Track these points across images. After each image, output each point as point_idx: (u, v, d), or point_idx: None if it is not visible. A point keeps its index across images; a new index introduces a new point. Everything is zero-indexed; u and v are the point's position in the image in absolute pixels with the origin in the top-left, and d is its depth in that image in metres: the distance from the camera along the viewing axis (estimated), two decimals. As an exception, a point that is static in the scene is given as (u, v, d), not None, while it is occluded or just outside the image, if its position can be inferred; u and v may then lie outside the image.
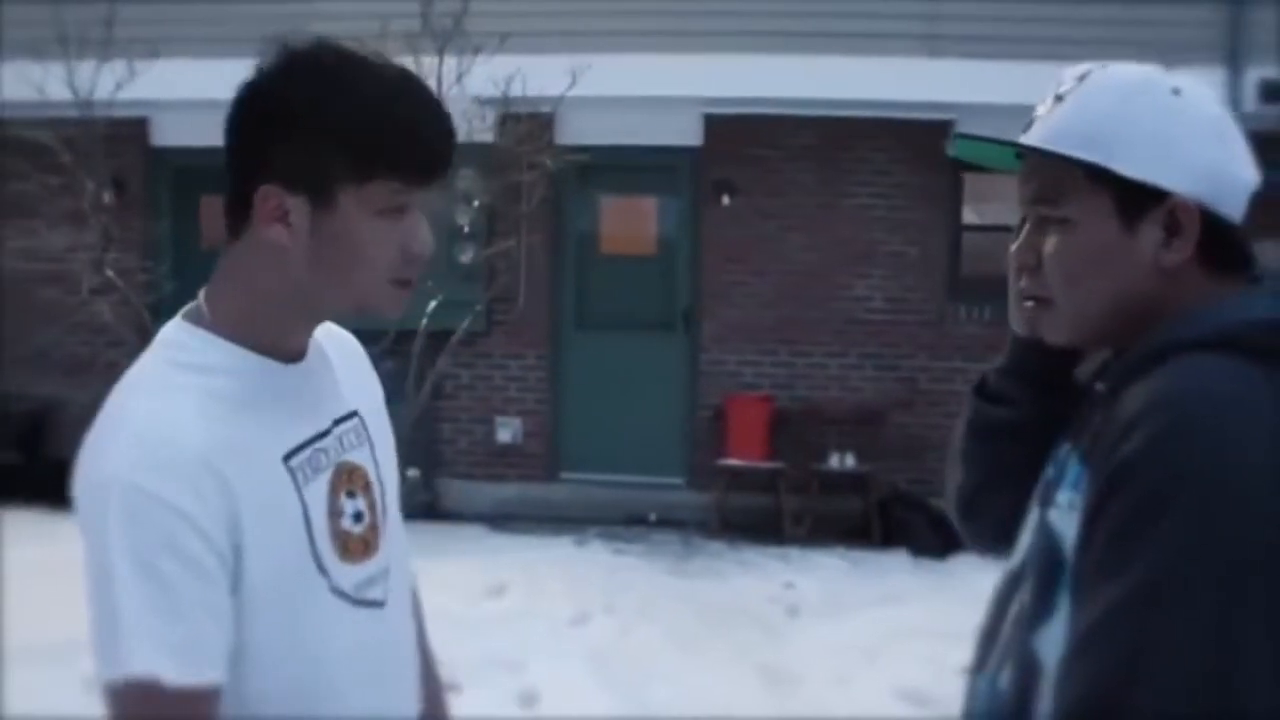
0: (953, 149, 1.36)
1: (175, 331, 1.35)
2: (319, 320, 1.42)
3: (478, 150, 6.86)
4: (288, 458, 1.34)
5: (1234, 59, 8.20)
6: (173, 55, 7.11)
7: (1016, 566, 1.28)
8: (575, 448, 9.23)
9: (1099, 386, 1.25)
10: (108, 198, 6.27)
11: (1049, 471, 1.28)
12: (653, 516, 8.71)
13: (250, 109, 1.30)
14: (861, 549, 7.90)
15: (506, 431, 9.11)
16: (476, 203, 7.27)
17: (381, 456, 1.49)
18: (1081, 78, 1.25)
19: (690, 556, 7.86)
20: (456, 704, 1.91)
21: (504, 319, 9.02)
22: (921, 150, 8.21)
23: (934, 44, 8.14)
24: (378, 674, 1.42)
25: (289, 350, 1.38)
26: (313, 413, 1.40)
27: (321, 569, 1.34)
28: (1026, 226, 1.29)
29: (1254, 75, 8.16)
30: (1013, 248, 1.31)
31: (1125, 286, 1.22)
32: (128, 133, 7.89)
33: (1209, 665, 1.02)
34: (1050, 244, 1.24)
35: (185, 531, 1.22)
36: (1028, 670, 1.17)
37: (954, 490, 1.49)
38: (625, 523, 8.59)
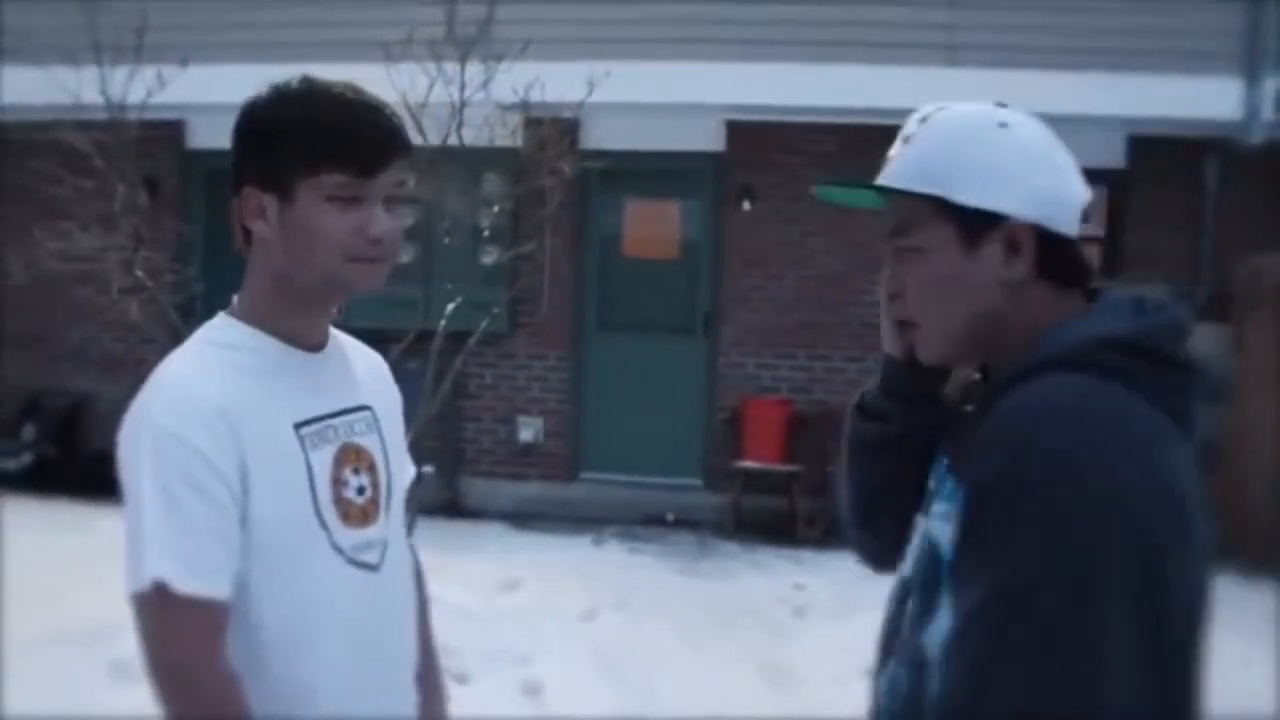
0: (819, 193, 1.49)
1: (213, 320, 1.65)
2: (313, 305, 1.63)
3: (501, 155, 6.98)
4: (299, 426, 1.58)
5: (1251, 68, 8.22)
6: (203, 61, 7.27)
7: (908, 573, 1.38)
8: (595, 448, 9.34)
9: (968, 407, 1.36)
10: (140, 200, 6.42)
11: (931, 483, 1.39)
12: (670, 517, 8.81)
13: (236, 130, 1.60)
14: (874, 552, 7.96)
15: (528, 431, 9.23)
16: (498, 207, 7.39)
17: (391, 451, 1.71)
18: (923, 120, 1.38)
19: (704, 557, 7.96)
20: (463, 693, 2.04)
21: (527, 320, 9.14)
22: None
23: (953, 54, 8.21)
24: (367, 632, 1.61)
25: (306, 340, 1.64)
26: (325, 396, 1.64)
27: (323, 524, 1.57)
28: (890, 260, 1.43)
29: (1272, 84, 8.18)
30: (881, 276, 1.44)
31: (977, 304, 1.33)
32: (163, 135, 8.07)
33: (1055, 669, 1.09)
34: (909, 272, 1.38)
35: (200, 466, 1.47)
36: (917, 666, 1.28)
37: (844, 507, 1.60)
38: (643, 522, 8.69)
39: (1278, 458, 7.47)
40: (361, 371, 1.75)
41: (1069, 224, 1.34)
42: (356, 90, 1.58)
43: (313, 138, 1.53)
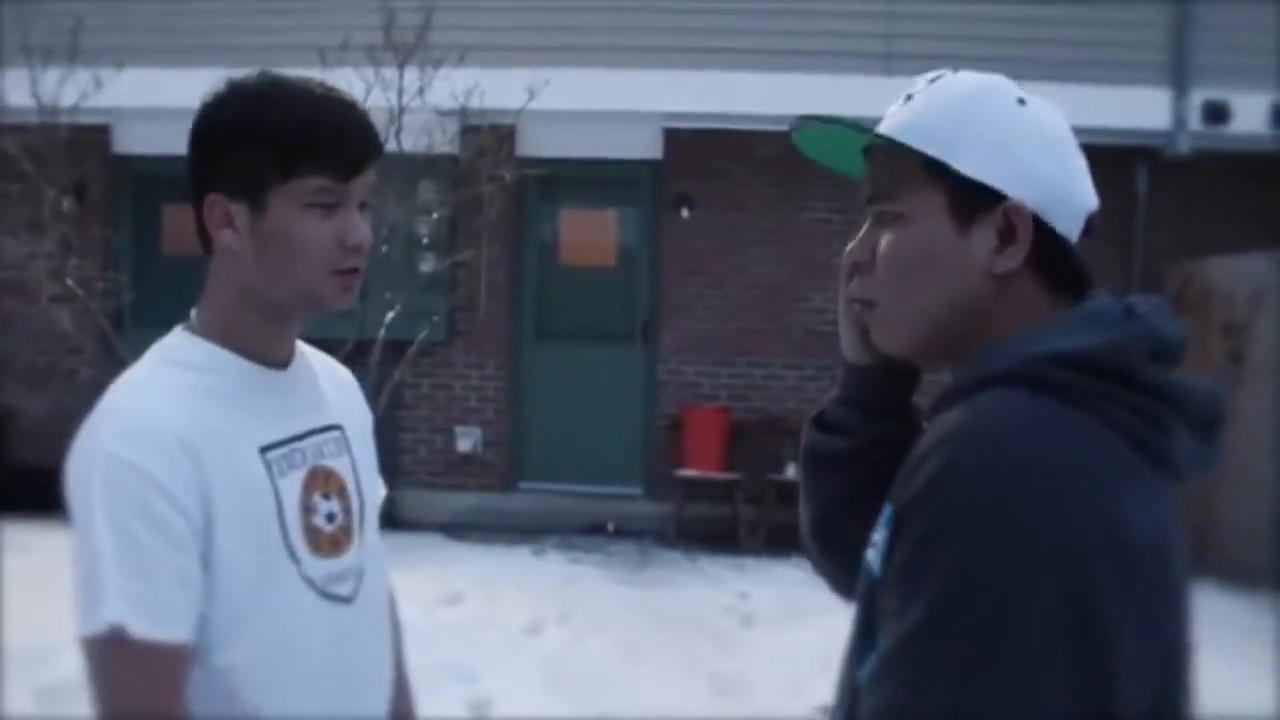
0: (795, 135, 1.30)
1: (170, 337, 1.51)
2: (282, 320, 1.51)
3: (439, 162, 6.93)
4: (264, 450, 1.45)
5: (1179, 80, 8.40)
6: (136, 64, 7.13)
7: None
8: (534, 457, 9.28)
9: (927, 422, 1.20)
10: (67, 205, 6.27)
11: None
12: (611, 526, 8.78)
13: (195, 131, 1.47)
14: (816, 559, 7.99)
15: (466, 441, 9.14)
16: (436, 214, 7.32)
17: (363, 473, 1.60)
18: (933, 80, 1.24)
19: (646, 566, 7.93)
20: (409, 710, 1.98)
21: (465, 329, 9.07)
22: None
23: (890, 63, 8.27)
24: (338, 669, 1.50)
25: (271, 356, 1.51)
26: (292, 416, 1.51)
27: (292, 556, 1.44)
28: (865, 227, 1.26)
29: (1198, 96, 8.36)
30: (847, 249, 1.27)
31: (956, 290, 1.18)
32: (89, 140, 7.89)
33: (970, 712, 0.98)
34: (884, 240, 1.22)
35: (158, 498, 1.34)
36: (853, 701, 1.13)
37: (803, 526, 1.45)
38: (583, 532, 8.65)
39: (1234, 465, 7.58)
40: (329, 388, 1.62)
41: (1070, 225, 1.19)
42: (325, 86, 1.46)
43: (288, 139, 1.40)
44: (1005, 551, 0.99)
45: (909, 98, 1.23)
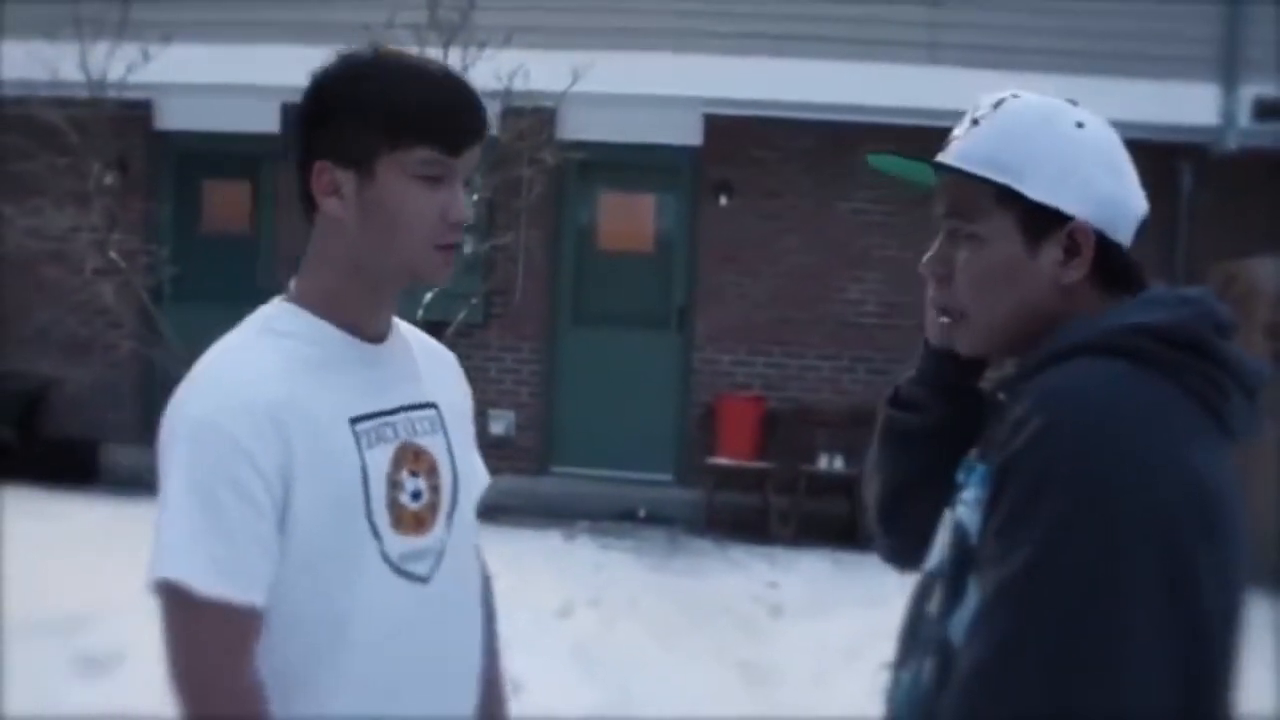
0: (873, 161, 1.46)
1: (269, 306, 1.53)
2: (381, 292, 1.52)
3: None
4: (355, 421, 1.46)
5: (1229, 76, 8.27)
6: (182, 40, 7.18)
7: (933, 568, 1.35)
8: (567, 442, 9.30)
9: (1001, 396, 1.34)
10: (111, 179, 6.33)
11: (959, 477, 1.35)
12: (642, 512, 8.78)
13: (306, 99, 1.48)
14: (846, 550, 7.96)
15: (500, 424, 9.16)
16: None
17: (457, 453, 1.59)
18: (996, 105, 1.35)
19: (676, 553, 7.93)
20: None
21: (501, 312, 9.08)
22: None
23: (934, 52, 8.21)
24: (408, 649, 1.48)
25: (368, 330, 1.52)
26: (385, 390, 1.52)
27: (374, 529, 1.45)
28: (940, 238, 1.39)
29: (1249, 92, 8.23)
30: (925, 259, 1.40)
31: (1027, 300, 1.32)
32: (133, 115, 7.95)
33: (1076, 661, 1.09)
34: (962, 258, 1.35)
35: (241, 464, 1.37)
36: (943, 656, 1.25)
37: (872, 500, 1.57)
38: (614, 518, 8.66)
39: (1243, 457, 7.51)
40: (427, 366, 1.62)
41: (1127, 233, 1.33)
42: (435, 62, 1.50)
43: (398, 108, 1.42)
44: (1102, 505, 1.11)
45: (975, 122, 1.35)
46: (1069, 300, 1.31)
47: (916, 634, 1.34)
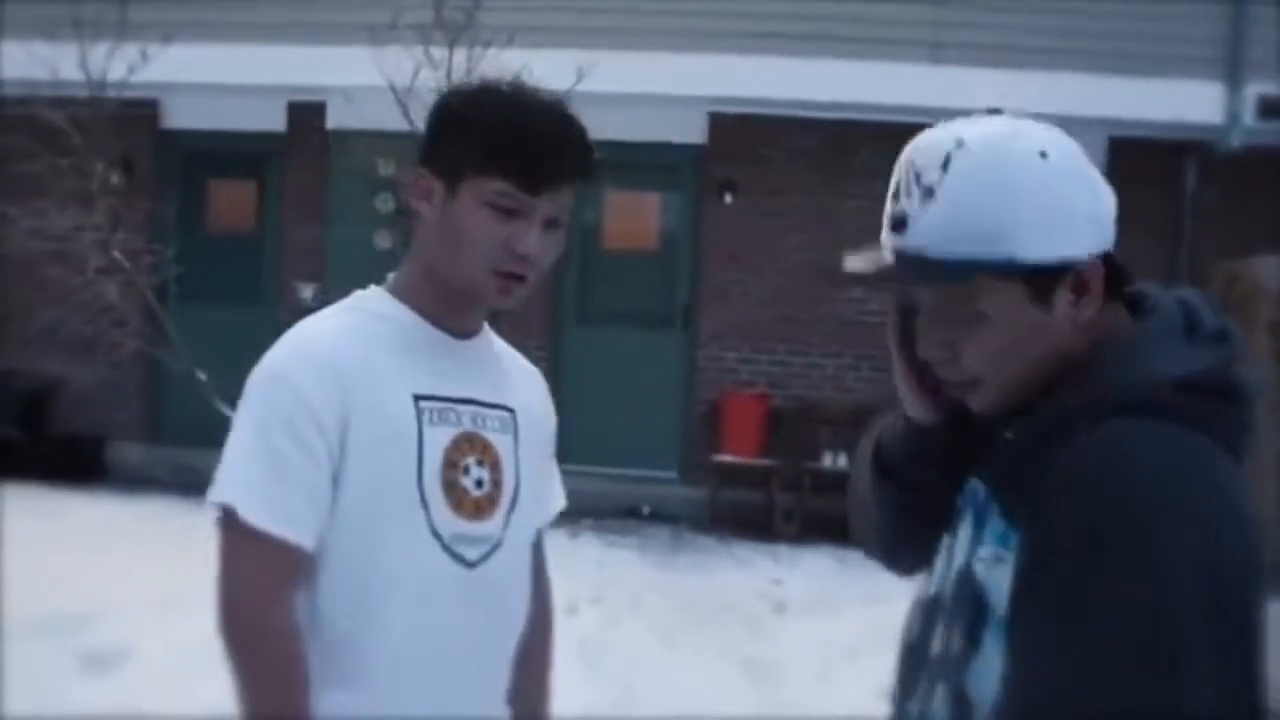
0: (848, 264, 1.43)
1: (365, 290, 1.65)
2: (454, 300, 1.59)
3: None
4: (418, 398, 1.55)
5: (1233, 74, 8.26)
6: (184, 40, 7.19)
7: (933, 595, 1.31)
8: (572, 439, 9.17)
9: (1008, 435, 1.26)
10: (115, 179, 6.34)
11: (959, 501, 1.31)
12: (646, 510, 8.79)
13: (431, 111, 1.62)
14: (850, 548, 7.94)
15: (504, 422, 9.16)
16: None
17: (524, 459, 1.65)
18: (944, 165, 1.22)
19: (680, 550, 7.94)
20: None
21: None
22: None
23: (937, 51, 8.21)
24: (445, 627, 1.54)
25: (454, 327, 1.61)
26: (457, 381, 1.60)
27: (423, 500, 1.53)
28: (924, 320, 1.29)
29: (1253, 91, 8.22)
30: (923, 345, 1.30)
31: (1048, 350, 1.23)
32: (137, 114, 7.96)
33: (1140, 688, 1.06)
34: (969, 340, 1.24)
35: (303, 414, 1.48)
36: (960, 705, 1.21)
37: (874, 537, 1.49)
38: (618, 515, 8.66)
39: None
40: (514, 377, 1.70)
41: (1112, 235, 1.25)
42: (558, 103, 1.56)
43: (486, 139, 1.51)
44: (1159, 577, 1.07)
45: (929, 192, 1.22)
46: (1085, 331, 1.24)
47: (918, 664, 1.30)
